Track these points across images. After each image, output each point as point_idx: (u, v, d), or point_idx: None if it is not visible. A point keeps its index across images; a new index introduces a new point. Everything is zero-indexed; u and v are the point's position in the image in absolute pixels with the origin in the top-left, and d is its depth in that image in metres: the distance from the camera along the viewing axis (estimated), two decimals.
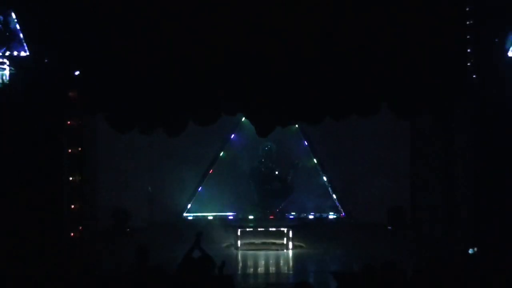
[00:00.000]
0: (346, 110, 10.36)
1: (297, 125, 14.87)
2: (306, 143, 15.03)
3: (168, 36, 9.85)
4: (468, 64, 11.36)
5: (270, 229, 13.37)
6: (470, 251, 8.55)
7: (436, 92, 10.24)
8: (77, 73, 10.43)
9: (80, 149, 11.17)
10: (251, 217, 14.47)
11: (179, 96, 10.11)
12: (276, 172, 14.65)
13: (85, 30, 10.03)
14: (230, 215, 14.90)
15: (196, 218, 14.95)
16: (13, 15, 10.11)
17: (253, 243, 13.19)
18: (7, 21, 10.10)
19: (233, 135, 15.06)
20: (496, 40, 10.58)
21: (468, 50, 11.22)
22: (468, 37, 11.04)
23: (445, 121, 11.86)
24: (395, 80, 10.07)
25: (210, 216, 14.96)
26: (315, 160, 15.04)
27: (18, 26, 10.22)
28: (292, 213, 14.84)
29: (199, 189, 15.08)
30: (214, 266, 7.31)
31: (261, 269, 11.73)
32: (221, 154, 15.14)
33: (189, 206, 15.11)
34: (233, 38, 9.75)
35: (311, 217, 14.82)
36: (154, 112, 10.24)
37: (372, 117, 10.63)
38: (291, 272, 11.64)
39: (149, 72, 10.00)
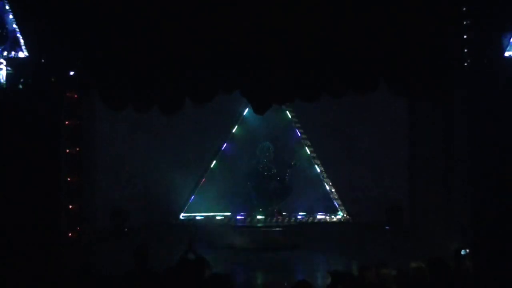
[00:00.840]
0: (343, 87, 10.30)
1: (297, 130, 14.89)
2: (305, 144, 14.99)
3: (164, 12, 9.76)
4: (465, 64, 11.42)
5: (268, 229, 13.40)
6: (463, 252, 8.53)
7: (434, 67, 10.16)
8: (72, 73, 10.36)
9: (78, 149, 11.18)
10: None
11: (175, 72, 9.99)
12: (274, 172, 14.59)
13: (83, 27, 9.96)
14: (228, 215, 14.86)
15: (193, 219, 14.89)
16: (11, 15, 10.08)
17: (251, 243, 13.16)
18: (4, 21, 10.06)
19: (231, 135, 15.03)
20: (493, 39, 10.57)
21: (465, 50, 11.27)
22: (465, 37, 11.07)
23: (444, 105, 11.76)
24: (392, 56, 10.00)
25: (208, 216, 14.90)
26: (313, 160, 15.00)
27: (15, 26, 10.17)
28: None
29: (197, 189, 15.03)
30: (208, 267, 7.33)
31: (259, 269, 11.73)
32: (218, 154, 15.08)
33: (187, 206, 15.06)
34: (230, 13, 9.69)
35: (308, 217, 14.77)
36: (149, 88, 10.13)
37: (369, 95, 10.56)
38: (288, 272, 11.64)
39: (144, 47, 9.88)
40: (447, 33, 10.02)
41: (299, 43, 9.77)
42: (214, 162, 15.13)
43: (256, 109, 10.44)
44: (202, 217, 14.87)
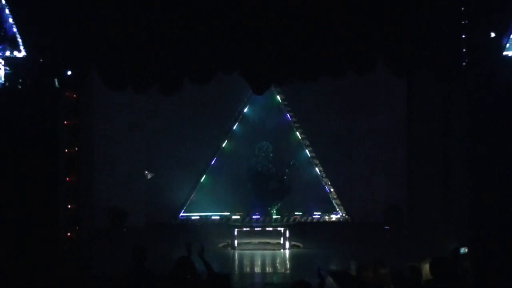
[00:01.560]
0: (342, 67, 10.26)
1: (296, 130, 14.88)
2: (303, 143, 14.99)
3: None
4: (464, 64, 11.41)
5: (267, 228, 13.40)
6: (462, 250, 8.50)
7: (433, 46, 10.14)
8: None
9: (76, 149, 11.09)
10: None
11: (174, 52, 9.96)
12: (273, 171, 14.58)
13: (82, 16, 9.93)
14: (226, 215, 14.83)
15: (192, 218, 14.86)
16: (9, 15, 10.05)
17: (250, 243, 13.18)
18: (2, 21, 10.04)
19: (230, 134, 15.02)
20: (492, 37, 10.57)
21: (464, 50, 11.26)
22: (463, 36, 11.06)
23: (443, 104, 11.68)
24: (391, 35, 9.98)
25: (206, 216, 14.88)
26: (312, 160, 14.99)
27: (13, 26, 10.14)
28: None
29: (196, 189, 15.01)
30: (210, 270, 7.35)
31: (258, 269, 11.75)
32: (217, 154, 15.06)
33: (185, 206, 15.04)
34: None
35: (308, 216, 14.75)
36: (148, 68, 10.08)
37: (368, 75, 10.54)
38: (288, 271, 11.63)
39: (143, 27, 9.84)
40: (446, 12, 10.00)
41: (298, 24, 9.73)
42: (213, 161, 15.10)
43: (255, 89, 10.40)
44: (201, 217, 14.83)
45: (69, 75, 10.44)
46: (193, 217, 14.84)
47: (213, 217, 14.72)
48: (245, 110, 15.05)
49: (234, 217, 14.44)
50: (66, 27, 10.00)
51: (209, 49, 9.84)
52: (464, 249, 8.43)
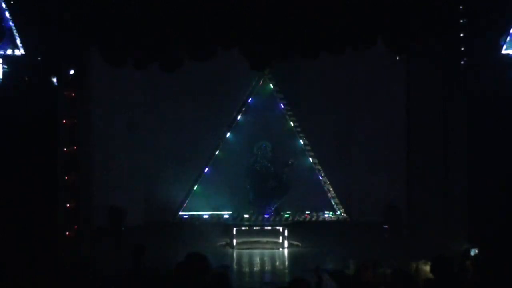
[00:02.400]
0: (341, 43, 10.20)
1: (293, 124, 14.85)
2: (302, 142, 14.98)
3: None
4: (462, 62, 11.40)
5: (266, 227, 13.40)
6: (472, 251, 8.41)
7: (430, 24, 10.15)
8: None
9: (75, 147, 11.13)
10: (246, 216, 14.43)
11: (174, 28, 9.91)
12: (272, 170, 14.53)
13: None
14: (225, 213, 14.81)
15: (191, 217, 14.84)
16: (7, 14, 10.04)
17: (248, 242, 13.16)
18: (1, 19, 10.02)
19: (228, 134, 15.00)
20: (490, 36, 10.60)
21: (462, 49, 11.25)
22: (462, 35, 11.05)
23: (443, 104, 11.62)
24: (390, 13, 9.97)
25: (205, 214, 14.86)
26: (311, 159, 14.97)
27: (12, 24, 10.13)
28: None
29: (195, 188, 14.97)
30: (208, 267, 7.32)
31: (256, 268, 11.72)
32: (216, 153, 15.05)
33: (184, 204, 15.01)
34: None
35: (306, 216, 14.74)
36: (149, 44, 10.02)
37: (367, 52, 10.53)
38: (286, 270, 11.62)
39: (143, 3, 9.83)
40: None
41: (298, 1, 9.72)
42: (212, 160, 15.04)
43: (254, 65, 10.32)
44: (200, 216, 14.80)
45: (68, 74, 10.47)
46: (192, 216, 14.77)
47: (212, 216, 14.66)
48: (247, 106, 15.03)
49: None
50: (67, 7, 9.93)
51: (208, 25, 9.79)
52: (475, 250, 8.35)
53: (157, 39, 9.87)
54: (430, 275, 7.04)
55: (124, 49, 10.01)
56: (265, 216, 14.21)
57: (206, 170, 15.01)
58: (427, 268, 7.30)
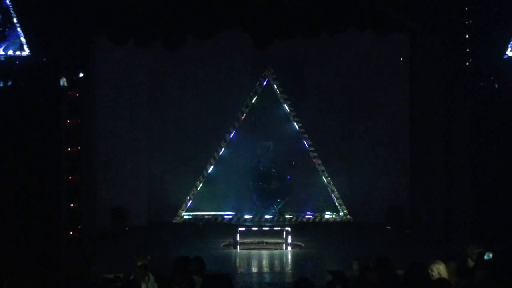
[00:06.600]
0: (344, 22, 10.15)
1: (296, 125, 14.84)
2: (306, 143, 14.94)
3: None
4: (467, 64, 11.37)
5: (269, 228, 13.35)
6: (486, 256, 8.30)
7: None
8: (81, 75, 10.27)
9: (79, 148, 11.07)
10: (247, 216, 14.39)
11: (176, 5, 9.84)
12: (274, 171, 14.49)
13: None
14: (229, 214, 14.77)
15: (195, 217, 14.80)
16: (13, 13, 10.02)
17: (252, 242, 13.13)
18: (6, 19, 10.01)
19: (232, 134, 14.97)
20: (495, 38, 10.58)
21: (467, 50, 11.21)
22: (467, 36, 11.01)
23: (445, 103, 11.58)
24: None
25: (209, 215, 14.73)
26: (313, 159, 14.94)
27: (17, 25, 10.10)
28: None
29: (198, 188, 14.83)
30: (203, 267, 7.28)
31: (260, 268, 11.71)
32: (220, 153, 14.98)
33: (187, 205, 14.90)
34: None
35: (310, 216, 14.72)
36: (151, 22, 9.95)
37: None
38: (290, 271, 11.59)
39: None
40: None
41: None
42: (216, 161, 14.84)
43: (257, 44, 10.25)
44: (203, 216, 14.72)
45: (77, 75, 10.45)
46: (195, 216, 14.66)
47: (215, 217, 14.54)
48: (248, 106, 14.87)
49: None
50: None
51: (211, 3, 9.74)
52: (489, 254, 8.23)
53: (159, 17, 9.80)
54: (445, 275, 7.01)
55: (126, 27, 9.95)
56: (269, 217, 14.16)
57: (210, 170, 14.95)
58: (442, 267, 7.17)
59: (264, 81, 14.52)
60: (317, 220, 14.40)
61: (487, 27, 10.65)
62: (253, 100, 14.55)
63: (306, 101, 15.03)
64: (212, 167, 14.81)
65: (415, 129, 14.07)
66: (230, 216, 14.43)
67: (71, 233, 10.85)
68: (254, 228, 13.39)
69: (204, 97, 14.68)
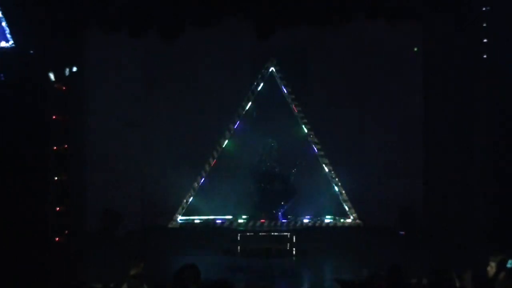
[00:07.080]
0: (350, 10, 10.11)
1: (304, 126, 14.42)
2: (315, 147, 14.53)
3: None
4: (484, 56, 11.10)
5: (272, 233, 13.05)
6: (509, 263, 7.96)
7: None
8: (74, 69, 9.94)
9: (66, 146, 10.90)
10: (244, 217, 14.00)
11: None
12: (278, 171, 14.17)
13: None
14: (228, 218, 14.30)
15: (191, 222, 14.38)
16: None
17: (254, 249, 12.76)
18: None
19: (236, 125, 14.52)
20: None
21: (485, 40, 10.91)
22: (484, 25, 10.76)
23: (461, 103, 11.39)
24: None
25: (206, 219, 14.38)
26: (320, 159, 14.54)
27: (1, 16, 9.86)
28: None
29: (196, 190, 14.54)
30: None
31: (261, 277, 11.23)
32: (224, 145, 14.59)
33: (185, 208, 14.54)
34: None
35: (316, 221, 14.30)
36: (147, 10, 9.66)
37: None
38: (293, 279, 11.20)
39: None
40: None
41: None
42: (215, 160, 14.61)
43: (259, 33, 10.15)
44: (200, 220, 14.41)
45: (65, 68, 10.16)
46: (193, 221, 14.33)
47: (213, 221, 14.21)
48: (248, 105, 14.66)
49: (240, 220, 14.02)
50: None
51: None
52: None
53: (155, 5, 9.52)
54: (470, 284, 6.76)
55: (119, 14, 9.65)
56: (272, 220, 13.82)
57: (208, 170, 14.51)
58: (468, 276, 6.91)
59: (267, 73, 14.34)
60: (324, 224, 14.20)
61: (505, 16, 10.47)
62: (255, 95, 14.37)
63: (312, 97, 14.76)
64: (210, 168, 14.52)
65: (429, 127, 13.70)
66: (230, 221, 14.11)
67: (57, 238, 10.68)
68: (256, 233, 13.06)
69: (202, 93, 14.35)
